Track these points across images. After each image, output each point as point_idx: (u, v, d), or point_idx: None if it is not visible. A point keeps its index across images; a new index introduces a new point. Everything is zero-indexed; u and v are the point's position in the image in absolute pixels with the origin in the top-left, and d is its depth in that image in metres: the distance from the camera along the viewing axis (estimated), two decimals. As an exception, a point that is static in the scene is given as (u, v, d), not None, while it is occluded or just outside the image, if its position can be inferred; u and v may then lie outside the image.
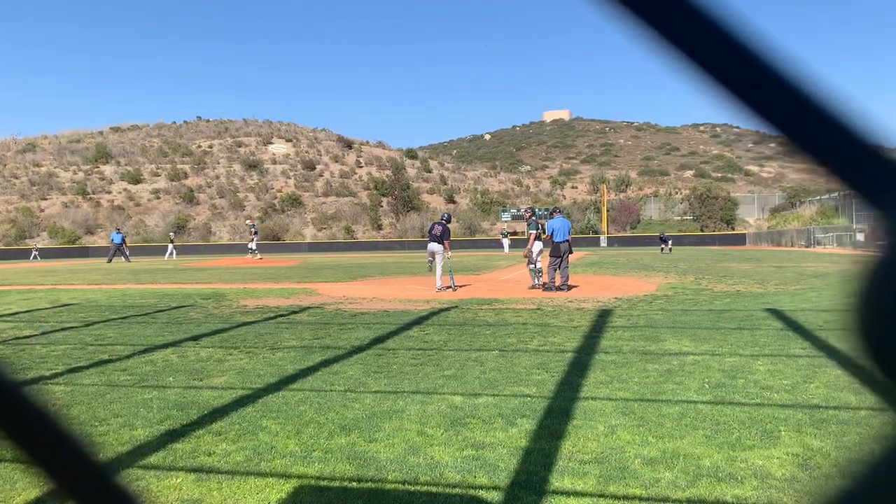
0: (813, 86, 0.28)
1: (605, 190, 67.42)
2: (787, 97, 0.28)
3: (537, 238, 15.44)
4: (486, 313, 10.69)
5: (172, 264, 34.19)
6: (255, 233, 36.27)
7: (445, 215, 15.72)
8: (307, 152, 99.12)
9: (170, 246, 45.48)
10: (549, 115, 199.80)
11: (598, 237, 59.59)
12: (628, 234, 62.92)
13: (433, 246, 15.23)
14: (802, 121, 0.28)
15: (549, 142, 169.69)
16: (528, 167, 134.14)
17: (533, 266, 15.35)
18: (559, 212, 15.22)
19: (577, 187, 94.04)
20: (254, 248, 36.06)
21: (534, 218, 15.92)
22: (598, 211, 65.89)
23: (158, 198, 79.81)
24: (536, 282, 15.28)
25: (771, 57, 0.29)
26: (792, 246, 44.75)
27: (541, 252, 15.49)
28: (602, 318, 9.77)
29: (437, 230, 15.17)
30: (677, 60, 0.29)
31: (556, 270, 14.56)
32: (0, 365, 0.33)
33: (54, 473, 0.34)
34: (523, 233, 61.90)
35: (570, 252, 14.78)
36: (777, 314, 9.86)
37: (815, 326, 8.51)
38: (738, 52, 0.29)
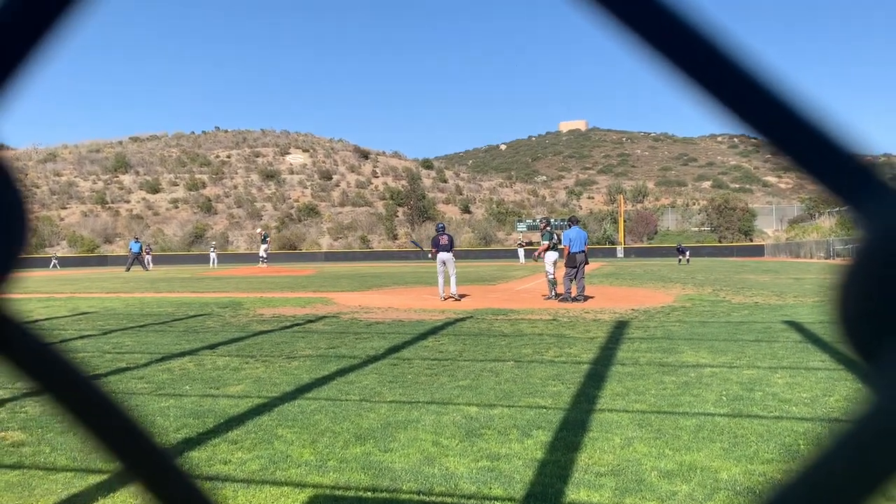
0: (789, 91, 0.30)
1: (622, 200, 67.09)
2: (765, 101, 0.29)
3: (551, 248, 15.43)
4: (501, 324, 10.67)
5: (190, 273, 34.46)
6: (266, 241, 36.46)
7: (441, 225, 15.96)
8: (324, 162, 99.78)
9: (212, 254, 46.73)
10: (566, 126, 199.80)
11: (615, 248, 59.29)
12: (645, 244, 62.58)
13: (443, 256, 15.35)
14: (782, 125, 0.30)
15: (566, 152, 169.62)
16: (544, 177, 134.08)
17: (552, 277, 15.34)
18: (576, 222, 15.19)
19: (593, 198, 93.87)
20: (264, 256, 36.25)
21: (548, 228, 15.93)
22: (615, 221, 65.63)
23: (177, 207, 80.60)
24: (552, 293, 15.26)
25: (749, 61, 0.30)
26: (811, 257, 44.29)
27: (555, 263, 15.47)
28: (619, 330, 9.72)
29: (445, 240, 15.36)
30: (660, 64, 0.30)
31: (571, 281, 14.52)
32: (71, 360, 0.37)
33: (124, 457, 0.37)
34: (539, 243, 62.00)
35: (587, 263, 14.74)
36: (796, 326, 9.76)
37: (835, 339, 8.39)
38: (716, 55, 0.30)
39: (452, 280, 15.34)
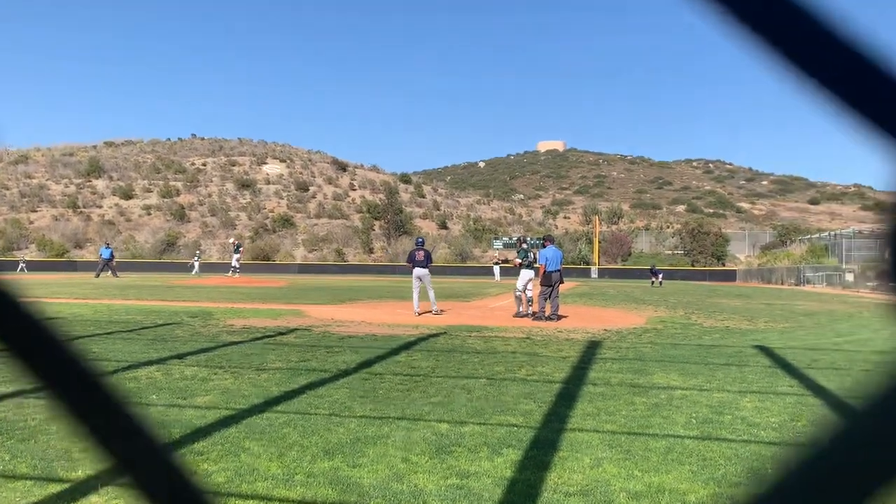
0: (864, 39, 0.28)
1: (598, 221, 67.71)
2: (840, 53, 0.28)
3: (525, 266, 15.53)
4: (474, 341, 10.67)
5: (160, 280, 34.01)
6: (239, 251, 36.18)
7: (420, 239, 16.07)
8: (301, 173, 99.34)
9: (195, 262, 46.55)
10: (544, 146, 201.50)
11: (590, 268, 59.74)
12: (619, 266, 63.07)
13: (419, 271, 15.41)
14: (856, 77, 0.28)
15: (543, 171, 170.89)
16: (522, 196, 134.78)
17: (520, 293, 15.42)
18: (551, 241, 15.28)
19: (569, 217, 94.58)
20: (237, 266, 35.95)
21: (524, 246, 16.06)
22: (590, 242, 66.14)
23: (149, 214, 79.62)
24: (520, 309, 15.34)
25: (820, 12, 0.28)
26: (782, 284, 44.99)
27: (530, 281, 15.55)
28: (591, 350, 9.77)
29: (422, 255, 15.44)
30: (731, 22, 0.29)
31: (546, 300, 14.58)
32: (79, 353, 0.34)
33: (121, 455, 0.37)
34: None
35: (562, 282, 14.83)
36: (766, 351, 9.89)
37: (804, 365, 8.53)
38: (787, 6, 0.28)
39: (431, 294, 15.43)
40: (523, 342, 10.60)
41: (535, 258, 15.82)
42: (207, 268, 50.97)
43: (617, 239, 68.64)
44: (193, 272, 46.88)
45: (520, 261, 15.68)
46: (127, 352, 8.80)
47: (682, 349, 10.04)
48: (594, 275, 58.14)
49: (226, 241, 70.61)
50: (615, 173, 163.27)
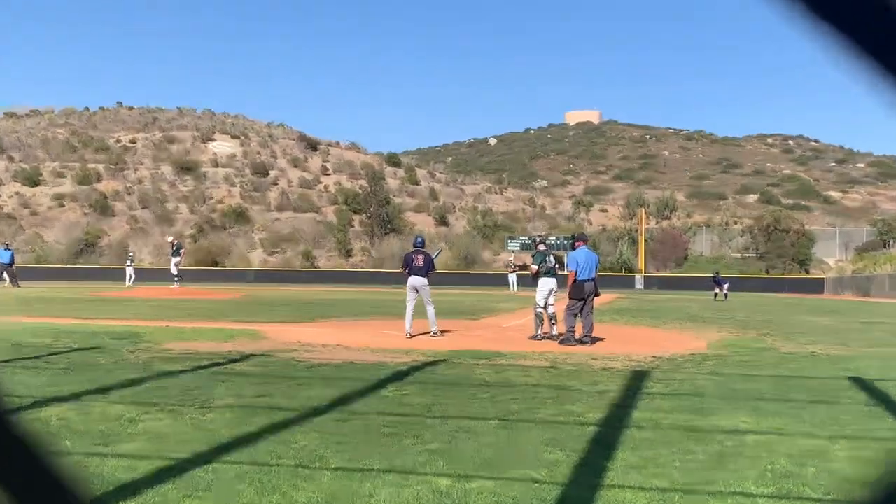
0: None
1: (644, 215, 67.76)
2: None
3: (545, 274, 15.52)
4: (484, 370, 10.68)
5: (76, 292, 34.04)
6: (179, 253, 36.19)
7: (419, 239, 16.06)
8: (258, 153, 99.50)
9: (128, 269, 46.84)
10: (574, 117, 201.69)
11: (633, 276, 59.82)
12: (672, 273, 63.15)
13: (416, 281, 15.43)
14: None
15: (573, 151, 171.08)
16: (545, 182, 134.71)
17: (541, 311, 15.42)
18: (584, 241, 15.28)
19: (607, 210, 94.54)
20: (175, 273, 35.99)
21: (541, 248, 16.05)
22: (634, 242, 66.20)
23: (62, 205, 79.72)
24: (540, 332, 15.35)
25: None
26: (884, 296, 44.99)
27: (552, 293, 15.55)
28: (635, 382, 9.79)
29: (421, 260, 15.44)
30: None
31: (576, 317, 14.58)
32: None
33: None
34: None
35: (596, 294, 14.83)
36: (862, 384, 9.88)
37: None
38: None
39: (430, 311, 15.49)
40: (547, 373, 10.60)
41: (556, 263, 15.85)
42: (141, 275, 51.12)
43: (669, 238, 68.71)
44: (130, 282, 47.10)
45: (536, 267, 15.69)
46: (32, 385, 8.80)
47: (754, 381, 10.04)
48: (639, 285, 58.24)
49: (162, 240, 70.71)
50: (666, 152, 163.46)
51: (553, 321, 15.52)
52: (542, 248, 16.17)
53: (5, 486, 0.45)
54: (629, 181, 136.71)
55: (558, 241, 62.24)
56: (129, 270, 48.55)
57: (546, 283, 15.51)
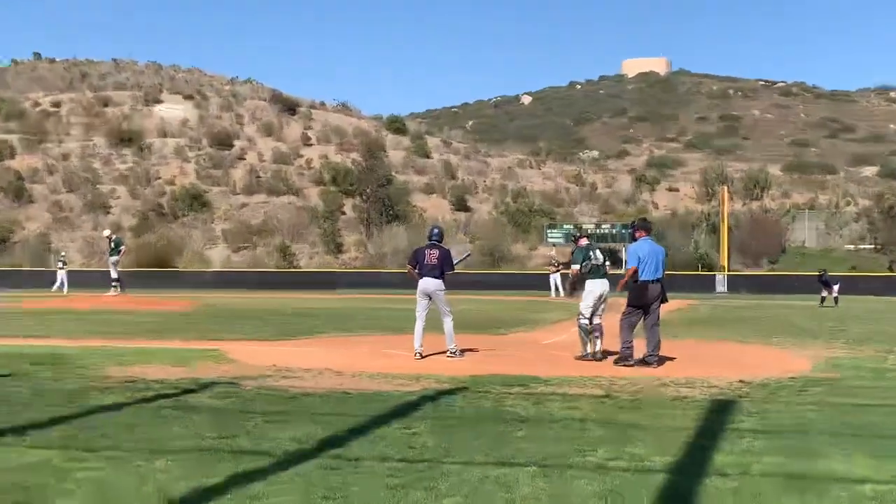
0: None
1: (727, 195, 67.40)
2: None
3: (591, 275, 15.36)
4: (517, 401, 10.65)
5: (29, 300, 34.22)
6: (118, 251, 36.33)
7: (436, 230, 16.04)
8: (219, 118, 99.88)
9: (60, 273, 47.30)
10: (634, 66, 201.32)
11: (713, 276, 59.54)
12: (764, 271, 62.89)
13: (428, 284, 15.38)
14: None
15: (633, 111, 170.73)
16: (595, 153, 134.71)
17: (586, 322, 15.31)
18: (647, 230, 15.15)
19: (677, 190, 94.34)
20: (115, 276, 36.16)
21: (583, 243, 15.94)
22: (715, 231, 65.91)
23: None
24: (588, 350, 15.24)
25: None
26: None
27: (603, 299, 15.43)
28: (717, 416, 9.74)
29: (435, 257, 15.38)
30: None
31: (632, 330, 14.49)
32: None
33: None
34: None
35: (664, 300, 14.72)
36: None
37: None
38: None
39: (447, 325, 15.46)
40: (600, 404, 10.56)
41: (606, 259, 15.71)
42: (70, 278, 51.31)
43: (760, 226, 68.37)
44: (56, 287, 47.46)
45: (578, 267, 15.54)
46: (-72, 423, 8.82)
47: (873, 414, 9.96)
48: (721, 287, 57.98)
49: (95, 233, 70.92)
50: (756, 112, 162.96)
51: (598, 335, 15.37)
52: (583, 242, 16.01)
53: None
54: (707, 150, 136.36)
55: (614, 231, 62.15)
56: (61, 275, 48.93)
57: (594, 288, 15.34)
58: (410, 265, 16.00)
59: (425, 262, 15.49)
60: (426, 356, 15.13)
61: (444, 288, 15.57)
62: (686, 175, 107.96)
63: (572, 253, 16.43)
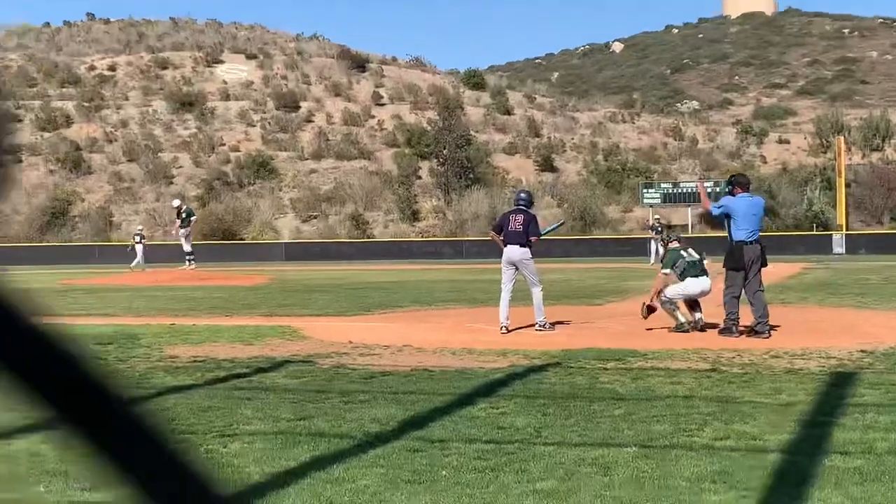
0: None
1: (844, 147, 66.15)
2: None
3: (692, 273, 15.09)
4: (613, 377, 10.67)
5: (46, 278, 34.91)
6: (189, 222, 36.82)
7: (523, 195, 16.02)
8: (284, 78, 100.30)
9: (138, 248, 47.69)
10: (737, 6, 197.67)
11: (829, 235, 58.57)
12: (888, 230, 61.70)
13: (513, 252, 15.36)
14: None
15: (737, 56, 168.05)
16: (695, 104, 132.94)
17: (669, 303, 15.14)
18: (744, 187, 14.89)
19: (788, 142, 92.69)
20: (188, 249, 36.69)
21: (675, 244, 15.80)
22: (831, 187, 64.76)
23: (20, 161, 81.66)
24: (683, 319, 15.03)
25: None
26: None
27: (703, 295, 15.18)
28: (836, 389, 9.67)
29: (519, 222, 15.36)
30: None
31: (737, 298, 14.30)
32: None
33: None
34: (679, 227, 61.18)
35: (764, 263, 14.53)
36: None
37: None
38: None
39: (535, 295, 15.48)
40: (706, 378, 10.51)
41: (704, 256, 15.44)
42: (120, 255, 51.88)
43: (881, 179, 67.06)
44: (136, 262, 47.72)
45: (669, 271, 15.30)
46: (-9, 409, 9.08)
47: None
48: (839, 247, 56.98)
49: (155, 205, 71.79)
50: (874, 53, 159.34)
51: (676, 309, 15.14)
52: (674, 244, 15.86)
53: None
54: (820, 97, 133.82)
55: (717, 188, 61.21)
56: (140, 250, 48.85)
57: (697, 285, 15.08)
58: (494, 231, 16.01)
59: (510, 229, 15.47)
60: (512, 330, 15.15)
61: (530, 256, 15.52)
62: (797, 125, 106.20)
63: (662, 258, 16.25)
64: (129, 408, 0.62)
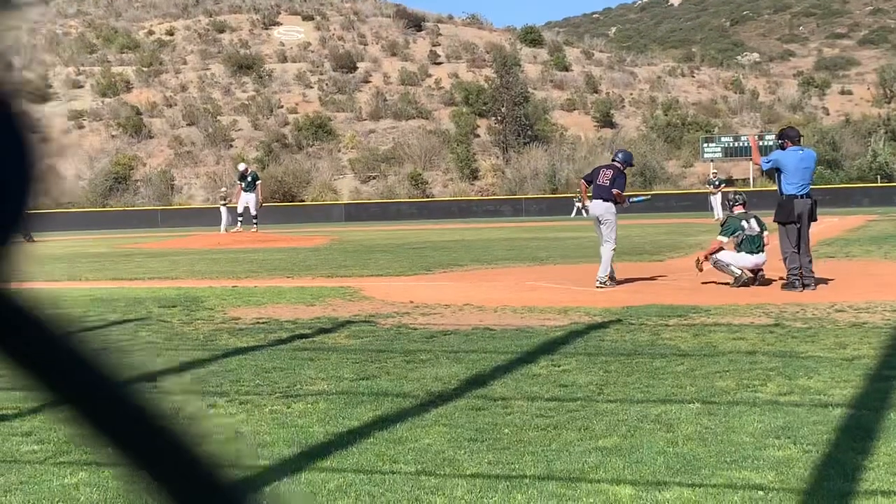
0: None
1: (907, 97, 65.12)
2: None
3: (749, 249, 14.99)
4: (676, 333, 10.64)
5: (108, 245, 35.30)
6: (253, 185, 37.03)
7: (620, 154, 16.15)
8: (341, 40, 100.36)
9: (223, 210, 47.43)
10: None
11: (894, 187, 57.79)
12: (953, 181, 60.73)
13: (596, 207, 15.42)
14: None
15: (798, 6, 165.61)
16: (756, 56, 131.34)
17: (724, 265, 15.07)
18: (794, 140, 14.73)
19: (850, 92, 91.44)
20: (254, 213, 36.93)
21: (739, 208, 15.68)
22: (894, 137, 63.86)
23: (81, 127, 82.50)
24: (738, 272, 14.93)
25: None
26: None
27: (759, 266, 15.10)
28: (901, 343, 9.53)
29: (607, 176, 15.40)
30: None
31: (797, 253, 14.19)
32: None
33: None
34: (740, 182, 60.53)
35: (814, 218, 14.41)
36: None
37: None
38: None
39: (604, 252, 15.47)
40: (769, 333, 10.45)
41: (764, 229, 15.28)
42: (199, 217, 52.00)
43: (947, 129, 65.96)
44: (225, 224, 46.41)
45: (727, 238, 15.22)
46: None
47: None
48: (904, 200, 56.20)
49: (215, 168, 72.25)
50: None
51: (726, 265, 15.12)
52: (739, 209, 15.74)
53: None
54: (884, 47, 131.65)
55: (777, 143, 60.57)
56: (224, 211, 48.14)
57: (751, 260, 14.99)
58: (585, 181, 16.08)
59: (598, 182, 15.57)
60: (621, 282, 15.43)
61: (614, 212, 15.52)
62: (861, 76, 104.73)
63: (723, 225, 16.06)
64: (123, 388, 0.63)
